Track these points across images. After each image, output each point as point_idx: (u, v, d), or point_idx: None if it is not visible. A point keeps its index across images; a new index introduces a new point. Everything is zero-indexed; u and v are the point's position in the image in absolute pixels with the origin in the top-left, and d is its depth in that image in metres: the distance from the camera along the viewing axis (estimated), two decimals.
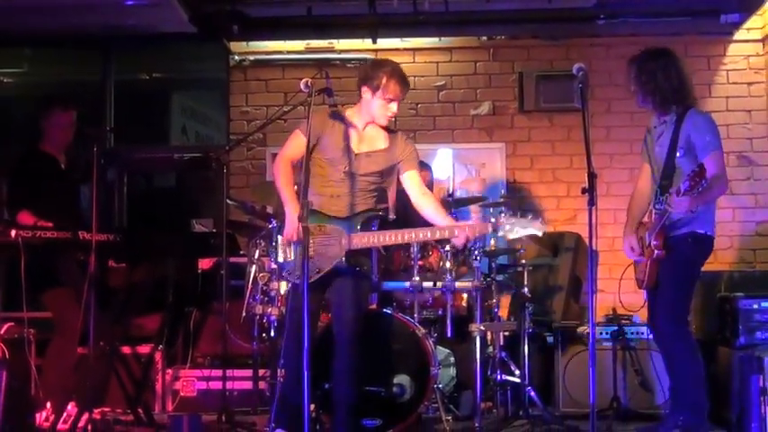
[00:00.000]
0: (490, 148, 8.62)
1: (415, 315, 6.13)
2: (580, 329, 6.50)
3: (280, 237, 5.39)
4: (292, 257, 5.30)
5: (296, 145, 5.30)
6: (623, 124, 8.42)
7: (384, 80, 5.30)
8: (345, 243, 5.21)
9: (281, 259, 5.40)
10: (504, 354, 6.45)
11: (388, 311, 5.99)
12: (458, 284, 6.17)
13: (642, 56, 5.63)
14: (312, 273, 5.14)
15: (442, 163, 8.33)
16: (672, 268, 5.43)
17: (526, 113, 8.56)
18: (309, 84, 5.01)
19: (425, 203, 5.43)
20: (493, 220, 5.03)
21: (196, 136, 9.76)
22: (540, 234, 5.04)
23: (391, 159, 5.44)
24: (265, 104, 8.66)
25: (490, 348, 6.45)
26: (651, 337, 6.01)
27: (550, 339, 6.76)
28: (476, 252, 6.11)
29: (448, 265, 6.15)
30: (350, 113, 5.46)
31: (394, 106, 5.39)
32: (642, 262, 5.59)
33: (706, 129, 5.41)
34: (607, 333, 6.38)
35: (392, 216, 5.43)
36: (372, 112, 5.37)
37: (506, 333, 6.51)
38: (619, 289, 5.92)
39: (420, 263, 6.23)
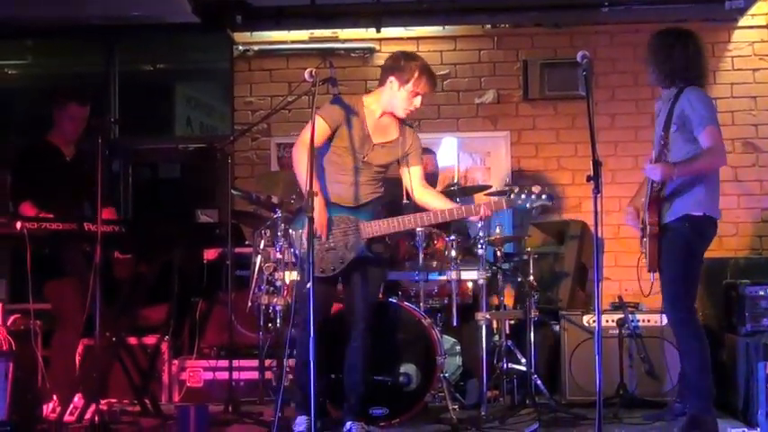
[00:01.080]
0: (495, 137, 8.61)
1: (421, 304, 6.14)
2: (586, 317, 6.48)
3: (298, 229, 5.30)
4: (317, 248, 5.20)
5: (319, 130, 5.19)
6: (628, 112, 8.41)
7: (416, 74, 5.33)
8: (365, 231, 5.25)
9: (301, 250, 5.28)
10: (509, 342, 6.45)
11: (394, 301, 6.00)
12: (463, 273, 6.16)
13: (665, 30, 5.64)
14: (336, 264, 5.25)
15: (447, 151, 8.31)
16: (669, 253, 5.42)
17: (530, 101, 8.56)
18: (314, 73, 5.01)
19: (429, 196, 5.51)
20: (507, 196, 5.25)
21: (200, 127, 9.76)
22: (549, 204, 5.29)
23: (401, 151, 5.48)
24: (269, 95, 8.65)
25: (496, 337, 6.46)
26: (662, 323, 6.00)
27: (556, 327, 6.75)
28: (481, 241, 6.10)
29: (453, 253, 6.13)
30: (369, 101, 5.46)
31: (418, 101, 5.41)
32: (643, 243, 5.59)
33: (700, 104, 5.38)
34: (613, 321, 6.35)
35: (405, 200, 5.56)
36: (395, 102, 5.37)
37: (512, 321, 6.53)
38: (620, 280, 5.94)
39: (426, 252, 6.23)
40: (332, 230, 5.26)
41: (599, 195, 4.56)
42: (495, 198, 5.48)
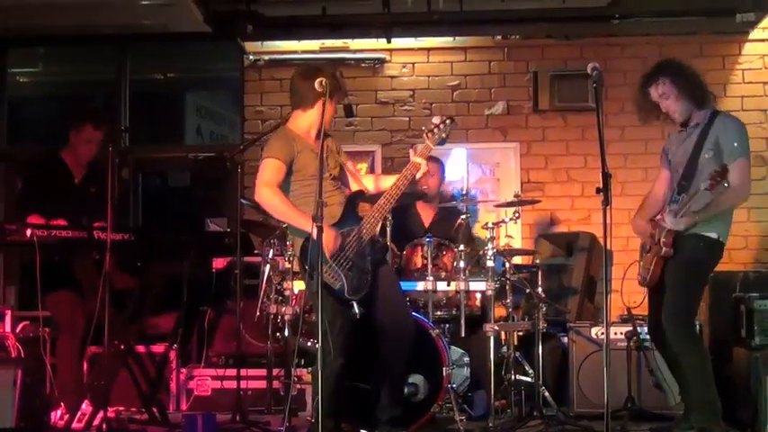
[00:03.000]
0: (504, 148, 8.60)
1: (430, 314, 6.15)
2: (594, 329, 6.48)
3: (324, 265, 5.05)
4: (341, 278, 5.11)
5: (277, 170, 5.22)
6: (637, 124, 8.11)
7: (340, 85, 5.39)
8: (364, 232, 5.25)
9: (335, 285, 5.11)
10: (518, 354, 6.45)
11: None
12: (471, 284, 6.17)
13: (671, 63, 5.67)
14: (364, 279, 5.21)
15: (457, 162, 8.31)
16: (677, 267, 5.42)
17: (540, 113, 8.55)
18: (324, 84, 5.03)
19: (368, 180, 5.64)
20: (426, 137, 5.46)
21: (211, 135, 9.78)
22: (453, 123, 5.56)
23: (338, 157, 5.53)
24: (280, 104, 8.64)
25: (504, 348, 6.44)
26: (648, 336, 5.98)
27: (564, 339, 6.75)
28: (490, 252, 6.11)
29: (462, 264, 6.14)
30: (294, 127, 5.42)
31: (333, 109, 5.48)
32: (648, 258, 5.60)
33: (737, 133, 5.41)
34: (622, 333, 6.34)
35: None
36: (327, 118, 5.27)
37: (520, 333, 6.52)
38: (621, 288, 5.94)
39: (434, 262, 6.25)
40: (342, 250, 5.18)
41: (608, 207, 4.56)
42: (419, 146, 5.54)
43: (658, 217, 5.60)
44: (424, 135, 5.49)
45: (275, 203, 5.18)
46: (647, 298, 5.74)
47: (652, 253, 5.54)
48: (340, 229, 5.20)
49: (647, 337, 6.23)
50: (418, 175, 5.43)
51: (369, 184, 5.63)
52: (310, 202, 4.95)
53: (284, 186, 5.26)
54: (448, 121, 5.52)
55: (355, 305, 5.12)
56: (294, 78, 5.51)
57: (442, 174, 7.40)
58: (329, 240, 5.04)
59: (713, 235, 5.41)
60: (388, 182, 5.49)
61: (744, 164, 5.36)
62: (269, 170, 5.21)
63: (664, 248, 5.42)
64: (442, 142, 5.54)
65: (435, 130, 5.48)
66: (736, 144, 5.37)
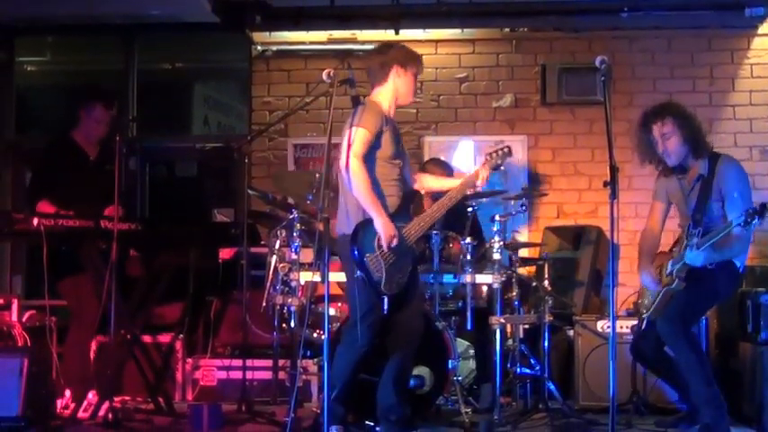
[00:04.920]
0: (512, 141, 8.47)
1: (436, 307, 6.14)
2: (600, 323, 6.48)
3: (373, 251, 5.15)
4: (383, 271, 5.15)
5: (366, 142, 5.18)
6: None
7: (413, 54, 5.44)
8: (410, 234, 5.29)
9: (376, 276, 5.14)
10: (523, 347, 6.45)
11: None
12: (478, 277, 6.16)
13: (678, 106, 5.69)
14: (402, 277, 5.24)
15: (464, 155, 8.31)
16: (703, 285, 5.42)
17: (548, 106, 8.53)
18: (331, 75, 5.01)
19: (425, 178, 5.77)
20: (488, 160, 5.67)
21: (218, 126, 9.77)
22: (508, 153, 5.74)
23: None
24: (287, 95, 8.65)
25: (510, 341, 6.43)
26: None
27: (570, 333, 6.74)
28: (496, 245, 6.11)
29: (469, 257, 6.14)
30: (381, 100, 5.41)
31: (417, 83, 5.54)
32: (654, 290, 5.60)
33: (735, 184, 5.41)
34: (628, 327, 6.33)
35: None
36: (403, 90, 5.36)
37: (526, 326, 6.49)
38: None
39: (441, 254, 6.20)
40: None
41: (615, 201, 4.56)
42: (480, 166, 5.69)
43: (665, 250, 5.62)
44: (485, 156, 5.70)
45: (361, 180, 5.12)
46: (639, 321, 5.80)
47: (661, 284, 5.54)
48: (393, 222, 5.21)
49: None
50: (477, 185, 5.61)
51: (426, 183, 5.79)
52: (383, 186, 5.17)
53: (369, 161, 5.23)
54: (505, 150, 5.70)
55: (386, 301, 5.15)
56: (377, 51, 5.59)
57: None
58: (389, 231, 5.09)
59: (738, 263, 5.44)
60: (429, 181, 5.78)
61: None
62: (360, 141, 5.14)
63: (676, 281, 5.41)
64: (496, 167, 5.72)
65: (494, 155, 5.68)
66: (736, 194, 5.38)
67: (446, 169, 7.16)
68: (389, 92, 5.41)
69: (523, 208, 6.46)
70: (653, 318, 5.56)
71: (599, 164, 8.14)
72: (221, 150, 8.73)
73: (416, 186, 5.63)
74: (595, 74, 5.06)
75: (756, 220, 5.00)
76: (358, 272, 5.12)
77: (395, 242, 5.12)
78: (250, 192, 6.58)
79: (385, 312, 5.16)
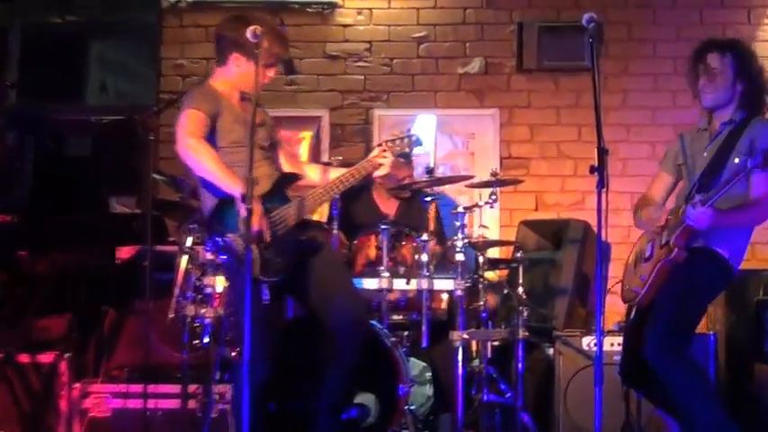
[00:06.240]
0: (481, 115, 8.61)
1: (384, 319, 6.11)
2: (586, 339, 6.48)
3: (231, 233, 5.23)
4: (256, 253, 5.19)
5: (200, 122, 5.30)
6: (644, 88, 8.42)
7: (265, 43, 5.31)
8: (291, 216, 5.32)
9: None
10: (491, 368, 6.46)
11: None
12: (436, 282, 6.14)
13: (742, 44, 5.66)
14: (278, 267, 5.25)
15: (423, 132, 8.24)
16: (680, 282, 5.34)
17: (525, 73, 8.55)
18: (258, 33, 5.00)
19: (313, 170, 5.84)
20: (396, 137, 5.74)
21: (118, 94, 9.70)
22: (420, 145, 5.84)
23: (270, 125, 5.65)
24: (205, 57, 8.55)
25: (475, 361, 6.44)
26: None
27: (550, 351, 6.76)
28: (459, 244, 6.09)
29: (425, 258, 6.10)
30: (218, 85, 5.52)
31: (272, 72, 5.56)
32: (646, 268, 5.52)
33: None
34: (619, 344, 6.31)
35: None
36: (246, 81, 5.35)
37: (496, 343, 6.52)
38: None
39: (391, 256, 6.21)
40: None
41: (605, 190, 4.56)
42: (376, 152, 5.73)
43: (670, 217, 5.53)
44: (382, 143, 5.75)
45: (203, 155, 5.20)
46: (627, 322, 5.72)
47: (654, 258, 5.46)
48: (246, 203, 5.15)
49: None
50: (376, 174, 5.67)
51: (313, 174, 5.78)
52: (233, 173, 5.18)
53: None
54: (407, 139, 5.78)
55: (265, 289, 5.19)
56: (220, 27, 5.58)
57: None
58: (255, 216, 5.07)
59: (724, 253, 5.35)
60: (311, 172, 5.79)
61: None
62: (192, 121, 5.28)
63: (675, 250, 5.35)
64: (403, 155, 5.85)
65: (396, 143, 5.73)
66: None
67: (408, 165, 7.16)
68: (228, 79, 5.51)
69: (493, 198, 6.45)
70: (643, 304, 5.49)
71: (586, 144, 8.12)
72: (122, 124, 8.65)
73: (318, 181, 5.70)
74: (583, 35, 5.02)
75: None
76: (222, 257, 5.29)
77: (261, 223, 5.16)
78: (156, 176, 6.55)
79: (266, 301, 5.19)
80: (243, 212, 4.90)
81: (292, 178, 5.53)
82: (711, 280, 5.41)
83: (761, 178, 5.22)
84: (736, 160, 5.32)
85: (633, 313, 5.59)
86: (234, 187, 5.08)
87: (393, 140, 5.71)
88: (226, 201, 5.20)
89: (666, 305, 5.31)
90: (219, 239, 5.22)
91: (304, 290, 5.45)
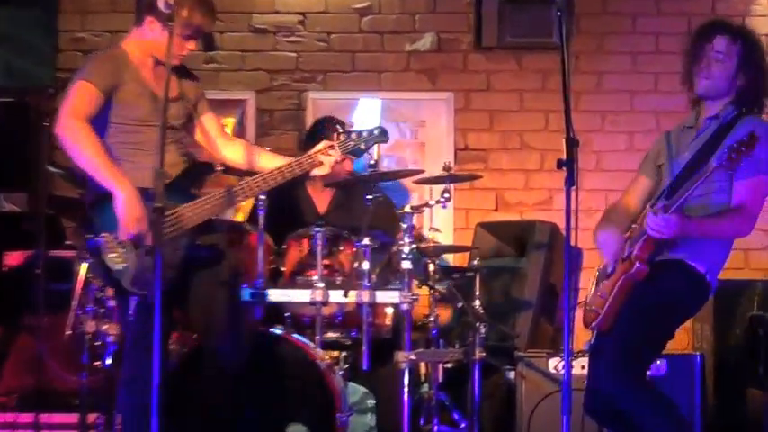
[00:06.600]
0: (433, 100, 8.64)
1: (317, 337, 6.10)
2: (553, 361, 6.51)
3: (107, 233, 5.22)
4: (131, 260, 5.19)
5: (89, 98, 5.27)
6: (621, 70, 8.47)
7: (184, 12, 5.33)
8: (188, 218, 5.31)
9: (117, 265, 5.20)
10: (443, 395, 6.47)
11: (278, 332, 5.98)
12: (379, 295, 6.15)
13: (755, 34, 5.64)
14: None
15: (365, 118, 8.26)
16: (643, 297, 5.35)
17: (484, 51, 8.58)
18: (171, 2, 5.06)
19: (239, 149, 5.80)
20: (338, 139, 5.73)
21: (8, 72, 9.59)
22: (384, 139, 5.82)
23: (189, 103, 5.64)
24: (109, 29, 8.54)
25: (424, 387, 6.48)
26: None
27: (511, 375, 6.79)
28: (406, 249, 6.08)
29: (366, 266, 6.10)
30: (131, 48, 5.50)
31: (192, 45, 5.52)
32: (607, 285, 5.53)
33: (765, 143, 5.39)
34: None
35: (219, 167, 5.73)
36: (163, 49, 5.29)
37: (448, 365, 6.54)
38: None
39: (326, 262, 6.22)
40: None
41: (574, 188, 4.58)
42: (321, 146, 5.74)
43: (634, 226, 5.55)
44: (335, 135, 5.77)
45: (83, 142, 5.19)
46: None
47: (616, 275, 5.47)
48: (156, 201, 5.11)
49: None
50: (315, 172, 5.72)
51: (235, 154, 5.76)
52: (129, 157, 5.26)
53: (96, 123, 5.28)
54: (376, 131, 5.79)
55: (133, 302, 5.23)
56: None
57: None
58: (131, 208, 5.09)
59: (700, 268, 5.36)
60: (266, 161, 5.71)
61: (759, 183, 5.32)
62: (80, 97, 5.24)
63: (636, 264, 5.36)
64: (356, 152, 5.79)
65: (352, 139, 5.75)
66: (763, 156, 5.34)
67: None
68: (143, 43, 5.48)
69: (446, 196, 6.43)
70: (604, 328, 5.50)
71: (555, 134, 8.12)
72: (11, 107, 8.56)
73: (241, 162, 5.74)
74: (550, 7, 5.04)
75: (742, 155, 4.98)
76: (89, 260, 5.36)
77: (138, 226, 5.13)
78: (51, 169, 6.53)
79: (131, 317, 5.25)
80: (122, 211, 4.99)
81: (204, 171, 5.52)
82: (683, 298, 5.37)
83: (742, 186, 5.22)
84: (715, 162, 5.33)
85: (594, 337, 5.59)
86: (112, 182, 5.10)
87: (348, 134, 5.71)
88: (106, 195, 5.16)
89: (626, 327, 5.30)
90: (91, 239, 5.20)
91: (186, 305, 5.45)
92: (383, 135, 5.78)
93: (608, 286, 5.37)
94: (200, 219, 5.34)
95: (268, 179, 5.52)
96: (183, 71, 5.60)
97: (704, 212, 5.22)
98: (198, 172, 5.49)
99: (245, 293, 5.90)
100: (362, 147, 5.74)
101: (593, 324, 5.39)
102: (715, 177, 5.23)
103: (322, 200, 7.21)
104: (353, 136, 5.71)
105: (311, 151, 5.68)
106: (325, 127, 7.14)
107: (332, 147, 5.66)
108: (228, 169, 5.73)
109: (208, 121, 5.73)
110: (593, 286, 5.56)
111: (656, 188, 5.64)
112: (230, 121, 8.37)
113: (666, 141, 5.69)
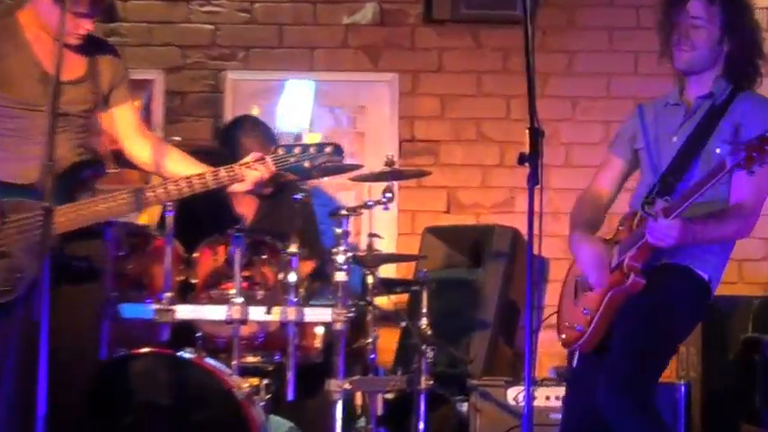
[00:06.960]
0: (374, 81, 8.66)
1: (234, 362, 6.07)
2: (513, 391, 6.48)
3: None
4: None
5: None
6: (596, 48, 8.51)
7: None
8: (59, 222, 5.18)
9: None
10: (383, 430, 6.47)
11: (187, 355, 5.97)
12: (308, 312, 6.12)
13: None
14: (12, 281, 5.20)
15: (295, 103, 8.25)
16: (646, 311, 5.32)
17: (435, 25, 8.61)
18: None
19: (142, 145, 5.73)
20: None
21: None
22: (339, 158, 5.63)
23: (99, 88, 5.58)
24: None
25: (361, 420, 6.55)
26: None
27: (463, 407, 6.83)
28: (341, 258, 6.08)
29: (292, 278, 6.06)
30: (26, 19, 5.49)
31: (90, 24, 5.45)
32: (590, 297, 5.51)
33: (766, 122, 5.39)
34: (557, 398, 6.34)
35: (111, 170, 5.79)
36: (56, 26, 5.28)
37: (389, 395, 6.57)
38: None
39: (245, 274, 6.19)
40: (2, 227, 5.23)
41: (538, 187, 4.54)
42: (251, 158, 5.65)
43: (621, 228, 5.54)
44: (273, 149, 5.68)
45: None
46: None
47: (603, 287, 5.45)
48: (12, 197, 5.21)
49: None
50: (235, 188, 5.62)
51: (142, 152, 5.73)
52: (6, 146, 5.25)
53: None
54: (328, 149, 5.64)
55: None
56: None
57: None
58: None
59: (704, 275, 5.36)
60: (175, 165, 5.69)
61: (764, 178, 5.32)
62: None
63: (632, 276, 5.34)
64: (297, 171, 5.66)
65: (291, 152, 5.62)
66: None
67: (263, 139, 7.17)
68: (36, 16, 5.46)
69: (389, 196, 6.40)
70: (588, 347, 5.47)
71: (517, 124, 8.16)
72: None
73: (147, 163, 5.73)
74: None
75: (766, 154, 4.97)
76: None
77: None
78: None
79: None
80: None
81: (92, 172, 5.49)
82: (688, 308, 5.39)
83: (744, 180, 5.21)
84: (718, 150, 5.32)
85: (576, 360, 5.56)
86: None
87: (289, 148, 5.60)
88: None
89: (627, 342, 5.29)
90: None
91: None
92: (336, 153, 5.61)
93: (594, 300, 5.36)
94: (75, 225, 5.29)
95: (171, 191, 5.47)
96: (99, 49, 5.58)
97: (700, 210, 5.20)
98: (88, 170, 5.45)
99: (148, 311, 5.84)
100: (306, 165, 5.57)
101: (577, 344, 5.38)
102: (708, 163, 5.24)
103: (245, 205, 7.18)
104: (296, 150, 5.57)
105: (240, 162, 5.57)
106: (245, 128, 7.19)
107: (262, 160, 5.55)
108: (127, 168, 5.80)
109: (120, 111, 5.66)
110: (573, 297, 5.54)
111: (631, 172, 5.66)
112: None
113: (641, 119, 5.68)
